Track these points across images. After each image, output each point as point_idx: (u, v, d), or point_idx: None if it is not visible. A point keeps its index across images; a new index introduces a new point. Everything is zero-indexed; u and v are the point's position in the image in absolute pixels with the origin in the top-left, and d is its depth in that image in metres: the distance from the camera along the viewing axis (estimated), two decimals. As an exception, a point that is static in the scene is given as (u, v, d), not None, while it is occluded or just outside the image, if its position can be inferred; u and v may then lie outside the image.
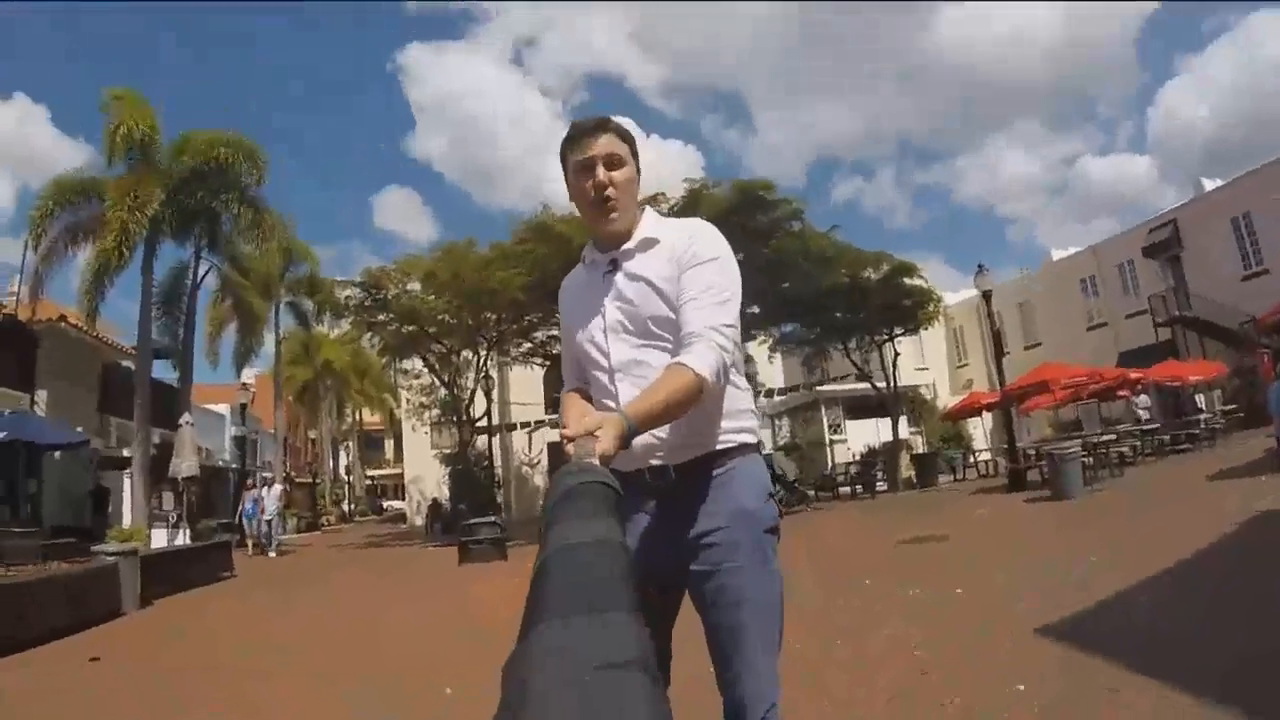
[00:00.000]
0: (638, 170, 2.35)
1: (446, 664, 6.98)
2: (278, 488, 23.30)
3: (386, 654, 7.75)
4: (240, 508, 24.99)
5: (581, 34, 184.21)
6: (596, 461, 1.71)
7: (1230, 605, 5.86)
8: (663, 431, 2.13)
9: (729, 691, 2.17)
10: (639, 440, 2.01)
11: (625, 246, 2.30)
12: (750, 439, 2.31)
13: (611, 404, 2.19)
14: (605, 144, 2.25)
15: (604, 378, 2.28)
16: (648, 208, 2.41)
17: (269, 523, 22.98)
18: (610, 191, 2.24)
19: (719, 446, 2.23)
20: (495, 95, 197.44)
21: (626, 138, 2.31)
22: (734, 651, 2.15)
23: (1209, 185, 32.51)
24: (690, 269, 2.20)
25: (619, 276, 2.29)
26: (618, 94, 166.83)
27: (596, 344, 2.29)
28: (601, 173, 2.24)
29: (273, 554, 20.53)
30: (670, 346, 2.18)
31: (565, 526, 1.23)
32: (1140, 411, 27.01)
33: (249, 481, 24.12)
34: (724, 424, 2.24)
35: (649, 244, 2.29)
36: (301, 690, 6.60)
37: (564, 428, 2.04)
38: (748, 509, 2.20)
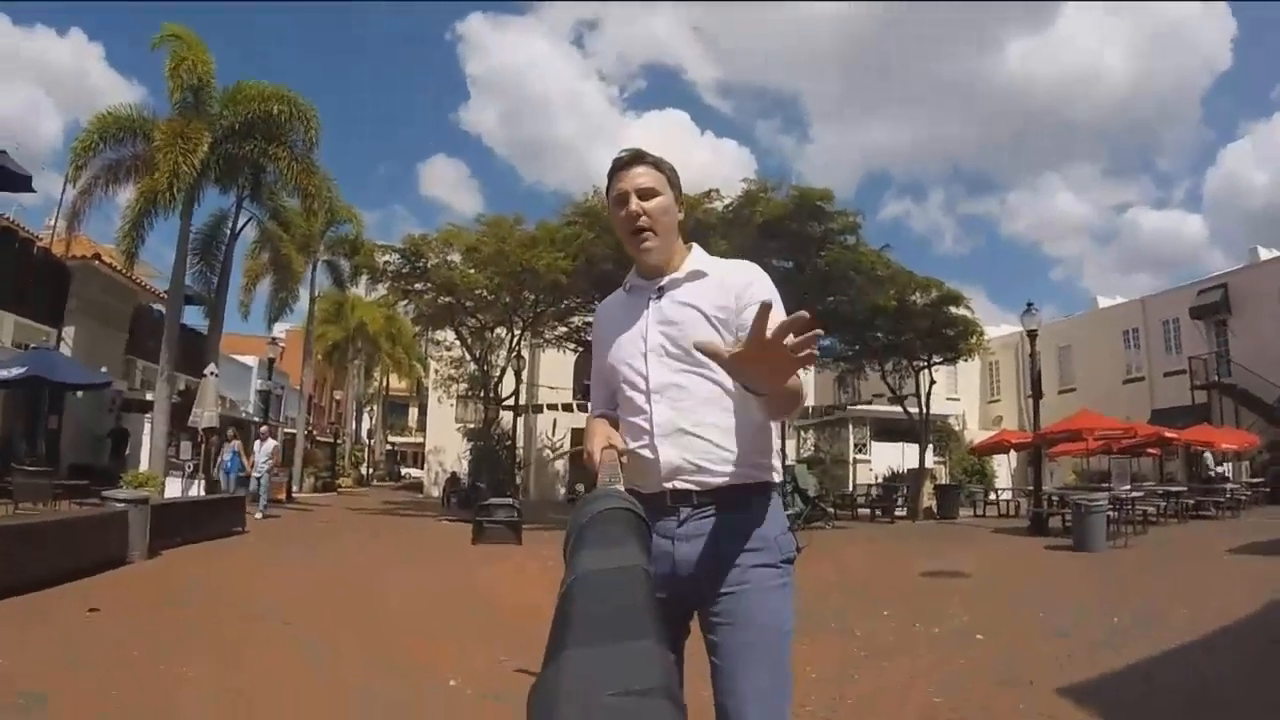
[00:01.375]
0: (678, 202, 2.41)
1: (453, 651, 6.92)
2: (271, 443, 21.14)
3: (391, 634, 7.64)
4: (218, 459, 21.84)
5: (644, 23, 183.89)
6: (622, 487, 1.73)
7: (1258, 685, 5.73)
8: (691, 456, 2.20)
9: None
10: (666, 463, 2.20)
11: (673, 275, 2.37)
12: (775, 479, 2.34)
13: (644, 423, 2.26)
14: (638, 175, 2.33)
15: (640, 398, 2.30)
16: (695, 245, 2.47)
17: (258, 480, 20.69)
18: (643, 220, 2.31)
19: (745, 480, 2.24)
20: (552, 75, 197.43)
21: (663, 169, 2.38)
22: (739, 679, 2.13)
23: (1265, 254, 32.20)
24: (752, 308, 2.01)
25: (665, 302, 2.34)
26: (675, 86, 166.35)
27: (635, 366, 2.33)
28: (634, 203, 2.31)
29: (259, 515, 19.33)
30: (710, 375, 2.21)
31: (591, 552, 1.23)
32: (1213, 470, 26.75)
33: (230, 431, 21.83)
34: (753, 459, 2.26)
35: (698, 275, 2.36)
36: (298, 662, 6.46)
37: (589, 451, 2.14)
38: (766, 537, 2.22)
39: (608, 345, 2.43)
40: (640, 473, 2.25)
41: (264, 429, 22.07)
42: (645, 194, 2.31)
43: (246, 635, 7.27)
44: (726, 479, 2.21)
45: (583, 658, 0.82)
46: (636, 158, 2.37)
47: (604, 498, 1.49)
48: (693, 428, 2.20)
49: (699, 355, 2.07)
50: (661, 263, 2.36)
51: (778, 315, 2.04)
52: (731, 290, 2.28)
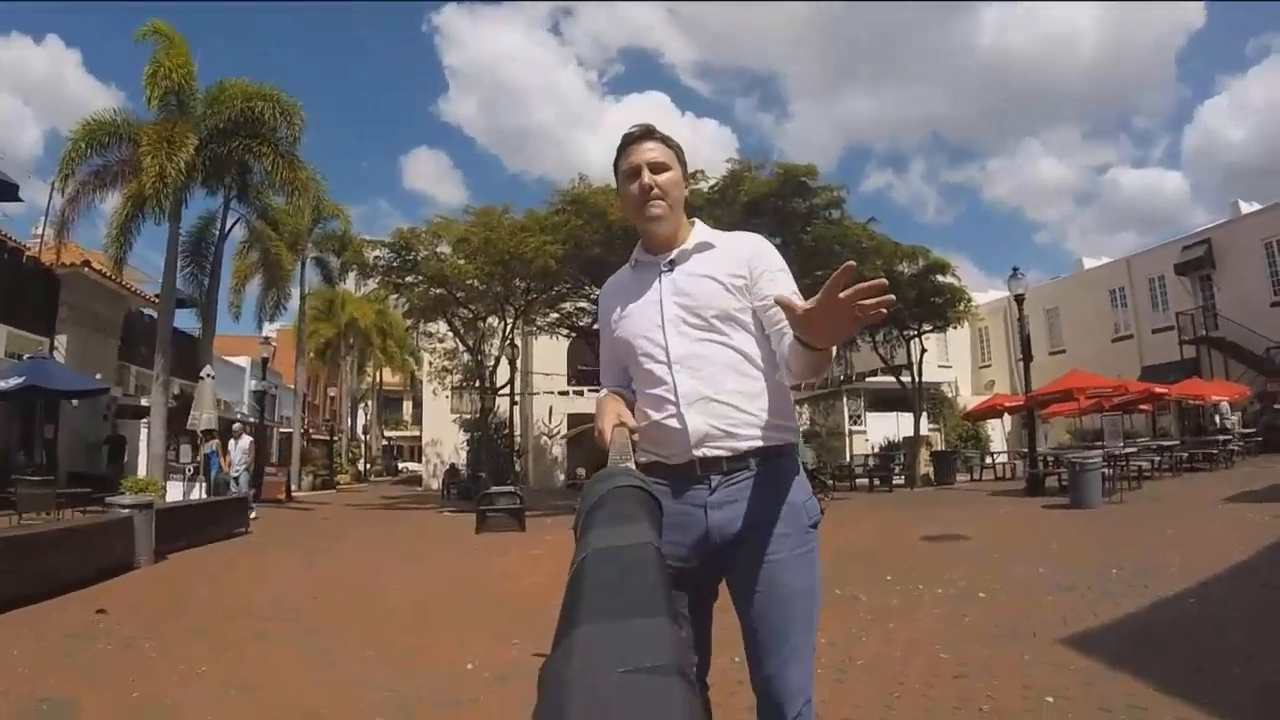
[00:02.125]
0: (685, 178, 2.48)
1: (466, 637, 6.97)
2: (246, 440, 20.19)
3: (402, 625, 7.70)
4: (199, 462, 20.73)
5: (620, 7, 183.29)
6: (633, 465, 1.73)
7: (1252, 630, 5.82)
8: (718, 423, 2.25)
9: (767, 684, 2.23)
10: (694, 431, 2.25)
11: (682, 248, 2.42)
12: (795, 439, 2.41)
13: (667, 394, 2.30)
14: (650, 150, 2.39)
15: (660, 369, 2.33)
16: (698, 220, 2.53)
17: (235, 479, 19.64)
18: (655, 191, 2.36)
19: (769, 443, 2.29)
20: (531, 63, 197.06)
21: (672, 145, 2.44)
22: (775, 644, 2.22)
23: (1246, 208, 32.49)
24: (772, 274, 2.35)
25: (677, 274, 2.39)
26: (654, 69, 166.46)
27: (653, 338, 2.35)
28: (647, 175, 2.35)
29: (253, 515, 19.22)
30: (728, 342, 2.30)
31: (601, 530, 1.21)
32: (1226, 420, 26.86)
33: (203, 433, 20.32)
34: (775, 421, 2.32)
35: (706, 246, 2.42)
36: (310, 655, 6.53)
37: (599, 429, 2.16)
38: (795, 503, 2.29)
39: (619, 321, 2.46)
40: (667, 443, 2.31)
41: (236, 427, 21.17)
42: (656, 168, 2.35)
43: (257, 633, 7.32)
44: (753, 442, 2.26)
45: (593, 635, 0.82)
46: (647, 133, 2.42)
47: (614, 476, 1.50)
48: (717, 394, 2.25)
49: (716, 323, 2.28)
50: (670, 235, 2.41)
51: (778, 271, 2.35)
52: (743, 259, 2.35)
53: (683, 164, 2.45)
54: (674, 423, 2.27)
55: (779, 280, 2.31)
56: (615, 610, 0.90)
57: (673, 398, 2.28)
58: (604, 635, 0.81)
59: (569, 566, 1.07)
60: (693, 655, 2.23)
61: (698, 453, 2.26)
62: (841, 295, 1.74)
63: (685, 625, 2.21)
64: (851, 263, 1.73)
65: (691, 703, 0.69)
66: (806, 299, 1.87)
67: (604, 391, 2.47)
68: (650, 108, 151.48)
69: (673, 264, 2.39)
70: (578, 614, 0.88)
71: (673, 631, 0.83)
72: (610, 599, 0.95)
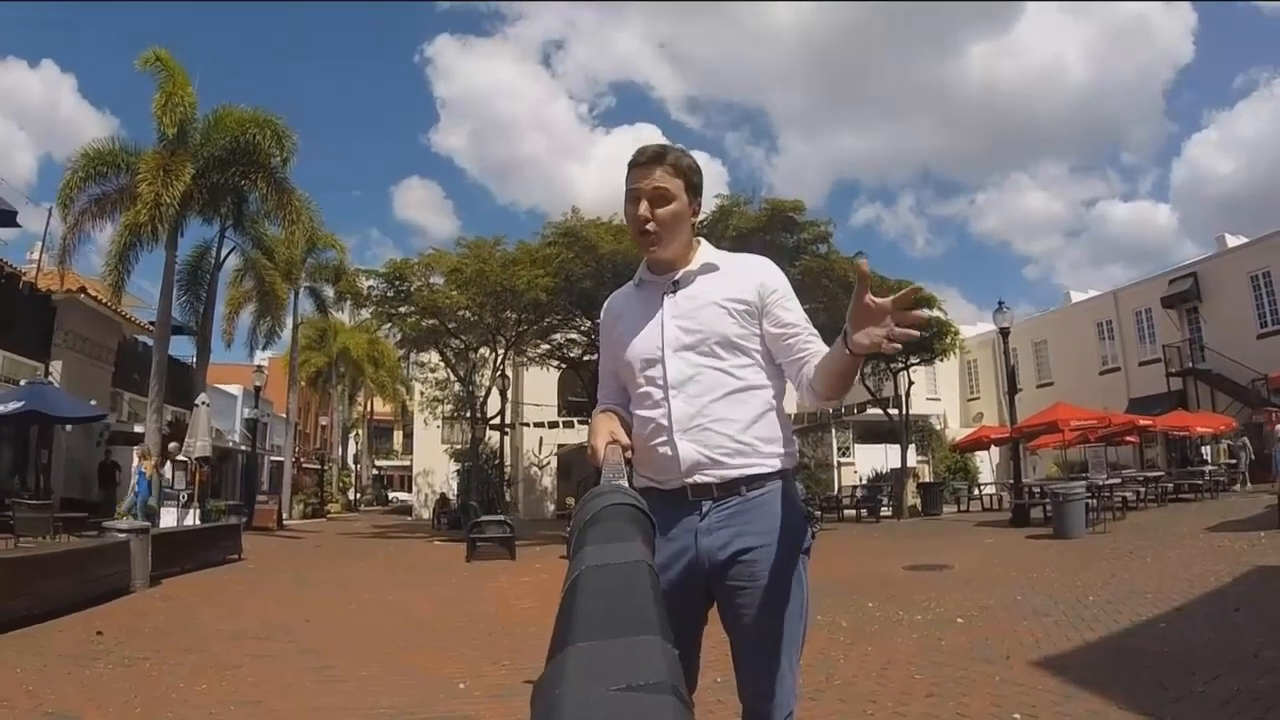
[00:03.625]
0: (696, 198, 2.40)
1: (458, 659, 7.07)
2: (150, 459, 17.77)
3: (395, 647, 7.78)
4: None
5: (610, 41, 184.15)
6: (626, 483, 1.71)
7: (1219, 649, 5.97)
8: (711, 450, 2.24)
9: (753, 700, 2.26)
10: (686, 458, 2.23)
11: (687, 269, 2.38)
12: (791, 464, 2.37)
13: (663, 419, 2.28)
14: (656, 178, 2.31)
15: (657, 393, 2.32)
16: (703, 240, 2.48)
17: (135, 508, 17.14)
18: (650, 226, 2.31)
19: (763, 470, 2.28)
20: (521, 95, 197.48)
21: (682, 170, 2.34)
22: (765, 665, 2.24)
23: (1232, 241, 32.74)
24: (783, 300, 2.35)
25: (680, 297, 2.36)
26: (644, 103, 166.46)
27: (652, 360, 2.34)
28: (644, 207, 2.30)
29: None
30: (723, 368, 2.28)
31: (595, 548, 1.22)
32: (1240, 451, 27.06)
33: (139, 450, 18.26)
34: (770, 449, 2.31)
35: (710, 269, 2.38)
36: (307, 675, 6.63)
37: (592, 446, 2.17)
38: (786, 529, 2.26)
39: (621, 341, 2.44)
40: (660, 469, 2.31)
41: (139, 449, 18.96)
42: (659, 198, 2.30)
43: (254, 653, 7.43)
44: (746, 470, 2.26)
45: (586, 653, 0.82)
46: (656, 157, 2.33)
47: (608, 494, 1.49)
48: (709, 422, 2.25)
49: (716, 349, 2.29)
50: (671, 260, 2.39)
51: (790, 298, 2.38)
52: (751, 286, 2.33)
53: (693, 188, 2.37)
54: (667, 449, 2.26)
55: (792, 308, 2.34)
56: (609, 628, 0.90)
57: (666, 423, 2.27)
58: (597, 653, 0.82)
59: (562, 584, 1.09)
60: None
61: (689, 480, 2.26)
62: (869, 301, 1.90)
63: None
64: (864, 262, 1.91)
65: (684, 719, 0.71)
66: (920, 324, 2.00)
67: (599, 408, 2.46)
68: (640, 140, 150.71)
69: (676, 285, 2.37)
70: (571, 631, 0.89)
71: (666, 649, 0.83)
72: (604, 617, 0.95)
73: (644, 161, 2.33)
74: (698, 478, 2.25)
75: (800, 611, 2.29)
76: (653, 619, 0.93)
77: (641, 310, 2.42)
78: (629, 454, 2.18)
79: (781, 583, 2.25)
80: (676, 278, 2.38)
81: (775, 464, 2.31)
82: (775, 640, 2.23)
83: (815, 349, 2.29)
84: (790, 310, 2.34)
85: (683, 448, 2.24)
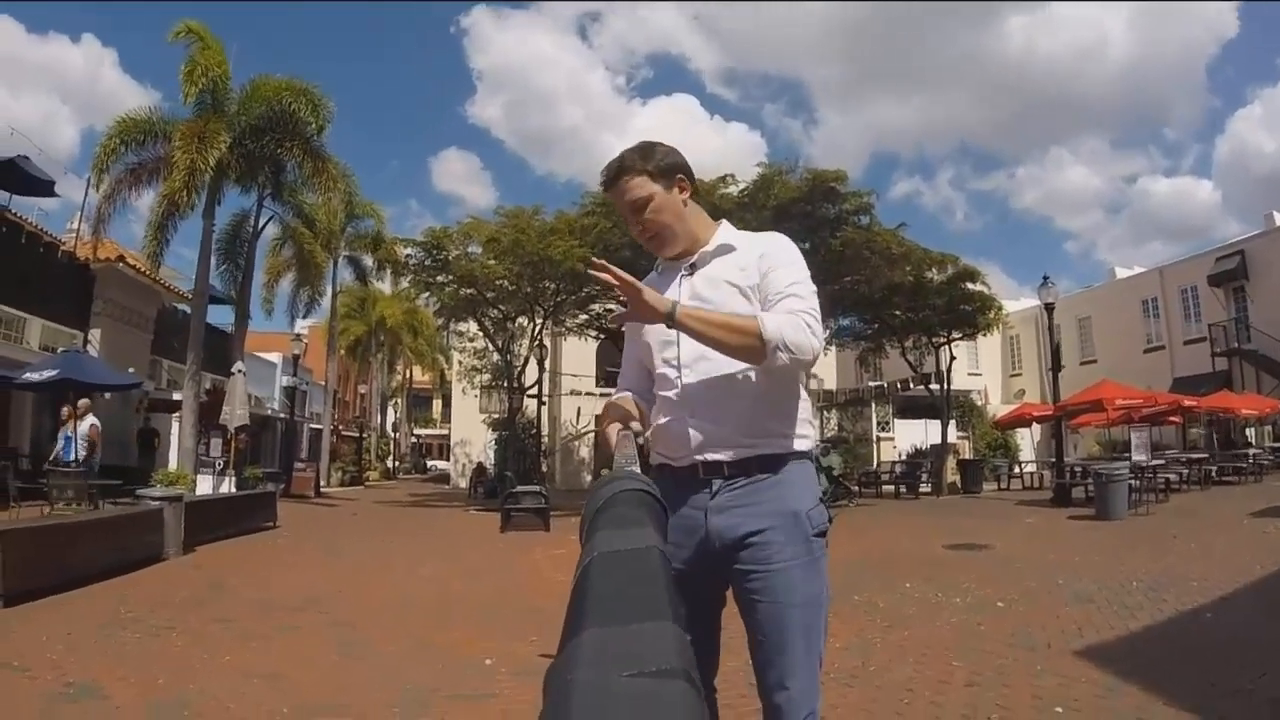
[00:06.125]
0: (675, 178, 2.41)
1: (487, 634, 7.03)
2: (88, 422, 15.12)
3: (424, 620, 7.76)
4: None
5: (646, 13, 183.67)
6: (638, 469, 1.70)
7: (1267, 646, 5.79)
8: (721, 427, 2.25)
9: (770, 695, 2.22)
10: (696, 435, 2.26)
11: (703, 251, 2.42)
12: (805, 446, 2.35)
13: (675, 396, 2.32)
14: (626, 191, 2.38)
15: (672, 373, 2.34)
16: (724, 221, 2.54)
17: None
18: (649, 231, 2.40)
19: (775, 450, 2.28)
20: (558, 66, 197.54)
21: (649, 166, 2.38)
22: (777, 654, 2.20)
23: (1281, 219, 31.80)
24: (775, 270, 2.31)
25: (696, 278, 2.39)
26: (681, 75, 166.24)
27: (668, 339, 2.34)
28: (635, 221, 2.41)
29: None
30: None
31: (607, 534, 1.23)
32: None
33: (65, 411, 15.43)
34: (783, 429, 2.31)
35: (726, 250, 2.40)
36: (334, 647, 6.62)
37: (601, 430, 2.28)
38: (798, 511, 2.24)
39: (641, 325, 2.42)
40: (673, 446, 2.32)
41: (83, 403, 15.41)
42: (637, 206, 2.36)
43: (283, 624, 7.43)
44: (756, 449, 2.25)
45: (598, 638, 0.82)
46: (616, 174, 2.39)
47: (620, 479, 1.50)
48: (722, 400, 2.25)
49: None
50: (684, 246, 2.42)
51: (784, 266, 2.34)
52: (754, 260, 2.33)
53: (663, 173, 2.38)
54: (677, 426, 2.28)
55: (779, 275, 2.30)
56: (621, 614, 0.90)
57: (679, 400, 2.30)
58: (609, 639, 0.82)
59: (574, 571, 1.08)
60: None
61: (699, 457, 2.26)
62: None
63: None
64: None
65: (697, 706, 0.70)
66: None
67: (617, 394, 2.50)
68: (678, 111, 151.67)
69: (693, 267, 2.40)
70: (583, 618, 0.89)
71: (678, 635, 0.83)
72: (616, 603, 0.96)
73: (609, 183, 2.43)
74: (708, 455, 2.27)
75: (817, 600, 2.24)
76: (664, 605, 0.93)
77: (661, 293, 2.33)
78: (641, 440, 2.20)
79: (794, 568, 2.21)
80: (693, 259, 2.42)
81: (789, 445, 2.31)
82: (789, 630, 2.19)
83: (780, 309, 2.23)
84: (778, 277, 2.30)
85: (694, 424, 2.27)
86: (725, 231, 2.46)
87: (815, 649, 2.22)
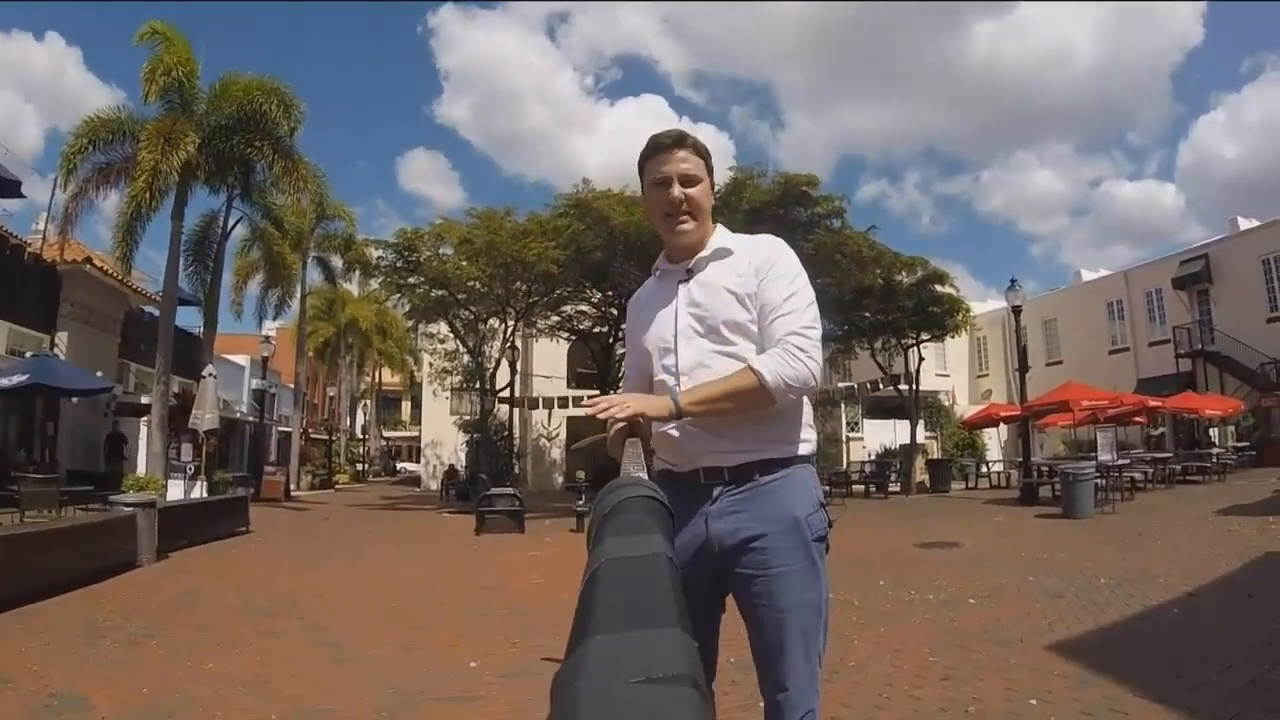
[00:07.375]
0: (712, 185, 2.45)
1: (468, 635, 7.07)
2: None
3: (405, 622, 7.79)
4: None
5: (614, 14, 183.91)
6: (645, 475, 1.72)
7: (1233, 638, 5.93)
8: (723, 433, 2.25)
9: (769, 695, 2.25)
10: (697, 441, 2.26)
11: (700, 255, 2.41)
12: (807, 450, 2.37)
13: None
14: (682, 161, 2.36)
15: (671, 380, 2.33)
16: (719, 224, 2.51)
17: None
18: (685, 207, 2.35)
19: (776, 455, 2.29)
20: (525, 66, 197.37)
21: (703, 153, 2.41)
22: (777, 656, 2.22)
23: (1244, 224, 32.65)
24: (771, 280, 2.32)
25: (693, 284, 2.38)
26: (648, 77, 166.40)
27: (666, 346, 2.37)
28: (677, 189, 2.34)
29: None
30: (739, 351, 2.28)
31: (614, 540, 1.21)
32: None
33: None
34: (784, 433, 2.32)
35: (723, 254, 2.40)
36: (316, 651, 6.64)
37: (610, 440, 2.16)
38: (799, 516, 2.25)
39: (641, 332, 2.47)
40: (672, 451, 2.33)
41: None
42: (688, 180, 2.35)
43: (262, 630, 7.42)
44: (755, 455, 2.26)
45: (606, 645, 0.82)
46: (679, 140, 2.38)
47: (627, 486, 1.50)
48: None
49: (726, 334, 2.29)
50: (694, 244, 2.42)
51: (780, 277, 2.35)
52: (753, 268, 2.33)
53: (711, 171, 2.44)
54: (676, 432, 2.28)
55: (775, 287, 2.31)
56: (628, 620, 0.90)
57: None
58: (617, 645, 0.82)
59: (581, 576, 1.09)
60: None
61: (700, 463, 2.28)
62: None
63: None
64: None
65: (705, 713, 0.70)
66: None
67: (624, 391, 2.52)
68: (647, 112, 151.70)
69: (690, 273, 2.40)
70: (591, 624, 0.88)
71: (686, 642, 0.83)
72: (623, 609, 0.95)
73: (669, 144, 2.37)
74: (708, 461, 2.28)
75: (817, 604, 2.26)
76: (672, 611, 0.92)
77: (660, 300, 2.45)
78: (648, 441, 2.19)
79: (794, 572, 2.23)
80: (690, 265, 2.41)
81: (792, 449, 2.32)
82: (788, 633, 2.21)
83: (776, 334, 2.27)
84: (774, 288, 2.31)
85: (693, 430, 2.26)
86: (722, 235, 2.47)
87: (814, 651, 2.24)
